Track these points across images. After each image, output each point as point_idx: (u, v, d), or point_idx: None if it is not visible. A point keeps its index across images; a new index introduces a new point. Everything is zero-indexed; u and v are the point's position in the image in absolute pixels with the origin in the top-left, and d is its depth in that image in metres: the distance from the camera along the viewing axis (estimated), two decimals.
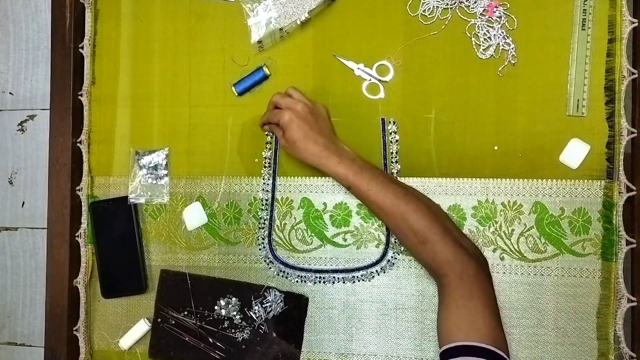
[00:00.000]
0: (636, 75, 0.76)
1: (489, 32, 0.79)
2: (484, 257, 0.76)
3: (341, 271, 0.82)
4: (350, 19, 0.83)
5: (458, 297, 0.68)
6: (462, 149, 0.80)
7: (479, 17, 0.79)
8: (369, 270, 0.81)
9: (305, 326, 0.82)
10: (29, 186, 1.50)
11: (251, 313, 0.83)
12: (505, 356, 0.63)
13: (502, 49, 0.79)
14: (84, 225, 0.88)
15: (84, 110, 0.88)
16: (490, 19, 0.79)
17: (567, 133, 0.78)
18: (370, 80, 0.82)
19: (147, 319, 0.85)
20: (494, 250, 0.79)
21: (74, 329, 0.87)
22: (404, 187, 0.75)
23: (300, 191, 0.83)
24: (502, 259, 0.78)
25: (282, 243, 0.83)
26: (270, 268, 0.83)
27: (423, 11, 0.81)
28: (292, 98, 0.76)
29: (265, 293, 0.83)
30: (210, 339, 0.83)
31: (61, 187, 0.88)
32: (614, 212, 0.76)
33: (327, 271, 0.82)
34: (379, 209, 0.74)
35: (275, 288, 0.83)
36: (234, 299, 0.83)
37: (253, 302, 0.83)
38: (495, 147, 0.79)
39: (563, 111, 0.78)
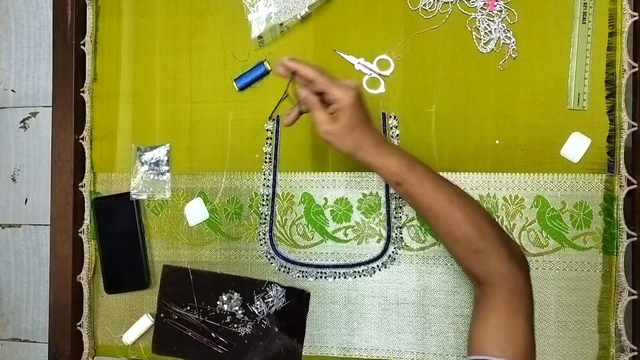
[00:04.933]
0: (637, 69, 0.76)
1: (489, 26, 0.79)
2: (527, 263, 0.73)
3: (342, 266, 0.82)
4: (351, 14, 0.83)
5: (503, 311, 0.64)
6: (463, 143, 0.80)
7: (480, 11, 0.79)
8: (370, 265, 0.81)
9: (307, 321, 0.83)
10: (31, 183, 1.51)
11: (253, 308, 0.83)
12: None
13: (503, 42, 0.79)
14: (86, 222, 0.88)
15: (86, 107, 0.88)
16: (490, 12, 0.79)
17: (568, 127, 0.78)
18: (370, 74, 0.82)
19: (150, 314, 0.86)
20: None
21: (78, 324, 0.88)
22: (455, 188, 0.69)
23: (301, 186, 0.83)
24: None
25: (283, 238, 0.84)
26: (271, 263, 0.84)
27: (423, 5, 0.81)
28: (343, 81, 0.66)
29: (267, 288, 0.83)
30: (212, 334, 0.84)
31: (64, 184, 0.88)
32: (615, 206, 0.76)
33: (328, 266, 0.82)
34: (429, 211, 0.67)
35: (276, 283, 0.83)
36: (236, 294, 0.84)
37: (255, 297, 0.83)
38: (497, 141, 0.79)
39: (564, 105, 0.78)
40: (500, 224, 0.78)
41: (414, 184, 0.66)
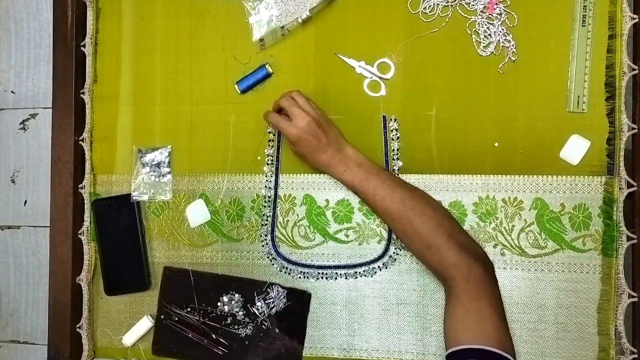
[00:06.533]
0: (636, 71, 0.76)
1: (489, 29, 0.79)
2: (490, 261, 0.76)
3: (343, 267, 0.82)
4: (351, 17, 0.83)
5: (465, 299, 0.68)
6: (462, 145, 0.80)
7: (480, 14, 0.80)
8: (371, 266, 0.82)
9: (308, 322, 0.83)
10: (31, 184, 1.51)
11: (254, 309, 0.83)
12: (511, 359, 0.64)
13: (503, 45, 0.79)
14: (86, 223, 0.88)
15: (86, 108, 0.88)
16: (490, 16, 0.79)
17: (567, 129, 0.78)
18: (371, 77, 0.82)
19: (150, 315, 0.86)
20: (495, 246, 0.79)
21: (77, 326, 0.88)
22: (410, 191, 0.75)
23: (303, 188, 0.84)
24: (502, 254, 0.79)
25: (284, 239, 0.84)
26: (273, 264, 0.84)
27: (424, 9, 0.81)
28: (299, 107, 0.76)
29: (268, 289, 0.83)
30: (213, 335, 0.84)
31: (63, 185, 0.88)
32: (615, 208, 0.76)
33: (329, 267, 0.82)
34: (385, 214, 0.75)
35: (278, 284, 0.83)
36: (236, 295, 0.84)
37: (256, 298, 0.83)
38: (496, 144, 0.79)
39: (563, 107, 0.78)
40: (499, 224, 0.79)
41: (367, 193, 0.75)
